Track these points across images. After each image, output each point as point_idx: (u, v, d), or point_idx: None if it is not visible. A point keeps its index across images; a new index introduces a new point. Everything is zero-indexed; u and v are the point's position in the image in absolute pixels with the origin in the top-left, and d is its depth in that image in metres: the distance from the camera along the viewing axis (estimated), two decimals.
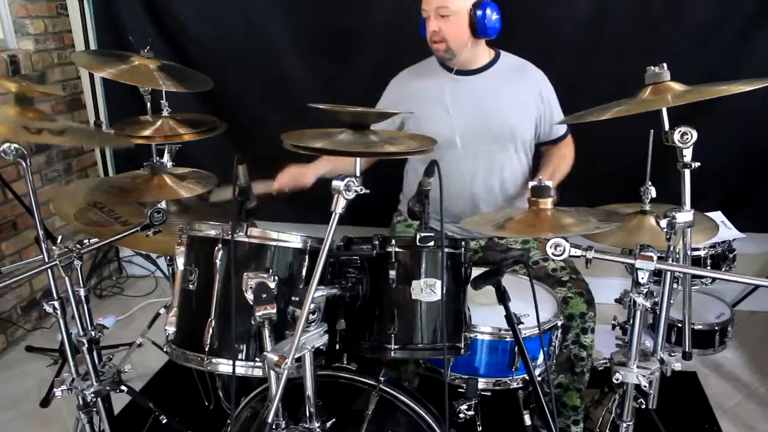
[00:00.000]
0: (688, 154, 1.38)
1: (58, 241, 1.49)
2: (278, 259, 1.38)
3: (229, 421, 1.62)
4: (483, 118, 2.05)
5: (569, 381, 1.92)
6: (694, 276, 2.15)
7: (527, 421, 1.70)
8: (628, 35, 2.56)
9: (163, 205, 1.62)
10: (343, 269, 1.44)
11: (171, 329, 1.44)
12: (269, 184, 1.97)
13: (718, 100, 1.41)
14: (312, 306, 1.19)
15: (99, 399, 1.60)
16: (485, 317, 1.59)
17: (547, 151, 2.22)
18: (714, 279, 2.32)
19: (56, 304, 1.50)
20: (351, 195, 1.18)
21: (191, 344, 1.39)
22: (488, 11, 1.95)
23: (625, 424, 1.53)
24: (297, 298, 1.22)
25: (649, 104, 1.41)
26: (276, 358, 1.14)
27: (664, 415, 1.80)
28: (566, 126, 2.20)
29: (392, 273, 1.40)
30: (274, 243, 1.38)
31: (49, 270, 1.48)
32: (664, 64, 1.47)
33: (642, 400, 1.55)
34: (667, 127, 1.41)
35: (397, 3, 2.54)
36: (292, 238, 1.39)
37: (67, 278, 1.48)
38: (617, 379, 1.46)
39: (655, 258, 1.30)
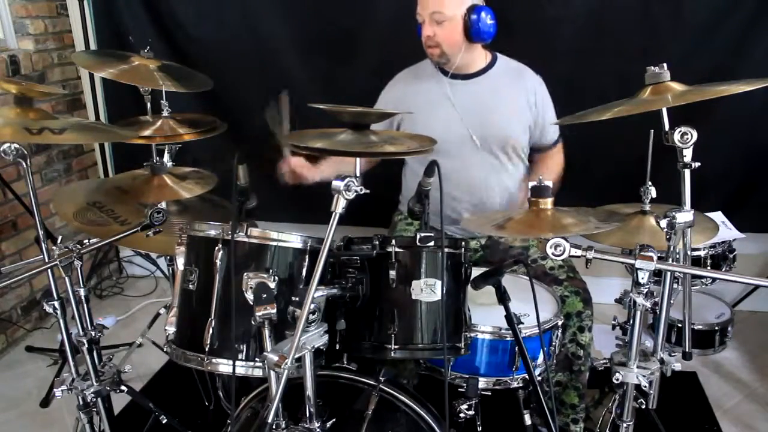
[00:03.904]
0: (688, 154, 1.38)
1: (58, 241, 1.49)
2: (278, 259, 1.38)
3: (229, 421, 1.62)
4: (479, 122, 2.05)
5: (567, 379, 1.92)
6: (694, 276, 2.15)
7: (527, 420, 1.70)
8: (628, 35, 2.56)
9: (163, 205, 1.62)
10: (343, 269, 1.44)
11: (171, 329, 1.44)
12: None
13: (718, 100, 1.41)
14: (312, 306, 1.19)
15: (99, 399, 1.60)
16: (485, 317, 1.59)
17: (539, 158, 2.22)
18: (714, 279, 2.32)
19: (56, 304, 1.50)
20: (351, 195, 1.18)
21: (191, 344, 1.40)
22: (483, 15, 1.94)
23: (625, 424, 1.53)
24: (297, 298, 1.22)
25: (649, 104, 1.41)
26: (276, 358, 1.14)
27: (664, 415, 1.80)
28: (558, 132, 2.19)
29: (392, 273, 1.40)
30: (274, 243, 1.38)
31: (49, 270, 1.48)
32: (664, 64, 1.46)
33: (642, 400, 1.55)
34: (667, 127, 1.40)
35: (397, 3, 2.54)
36: (292, 238, 1.39)
37: (67, 278, 1.48)
38: (617, 379, 1.46)
39: (655, 258, 1.30)
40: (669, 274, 1.49)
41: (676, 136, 1.36)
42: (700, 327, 2.62)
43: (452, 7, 1.93)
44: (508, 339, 1.58)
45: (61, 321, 1.53)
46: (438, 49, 1.99)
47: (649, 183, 1.65)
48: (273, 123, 1.77)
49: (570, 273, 1.94)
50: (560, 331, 1.71)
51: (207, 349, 1.36)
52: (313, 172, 2.02)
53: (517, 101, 2.08)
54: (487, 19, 1.95)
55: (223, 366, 1.37)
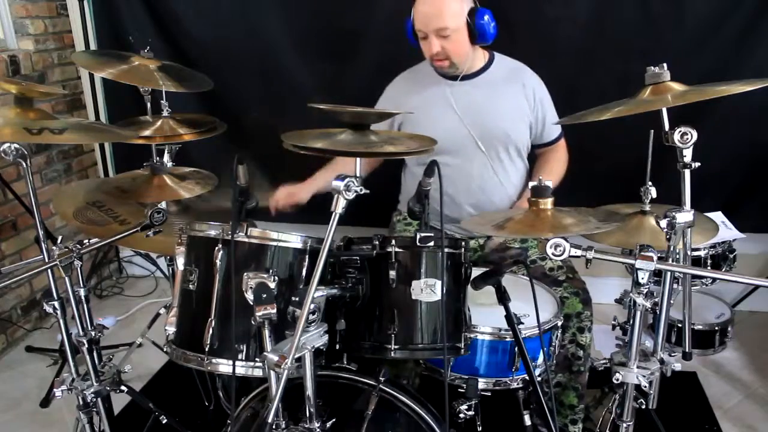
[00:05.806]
0: (688, 154, 1.38)
1: (58, 241, 1.49)
2: (278, 259, 1.38)
3: (229, 421, 1.62)
4: (479, 122, 2.05)
5: (567, 380, 1.92)
6: (694, 276, 2.15)
7: (527, 421, 1.70)
8: (628, 35, 2.56)
9: (163, 205, 1.62)
10: (343, 269, 1.44)
11: (171, 329, 1.44)
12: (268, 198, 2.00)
13: (718, 100, 1.41)
14: (312, 306, 1.19)
15: (99, 399, 1.60)
16: (485, 317, 1.59)
17: (542, 155, 2.22)
18: (714, 279, 2.32)
19: (56, 304, 1.50)
20: (351, 195, 1.18)
21: (191, 344, 1.40)
22: (485, 17, 1.95)
23: (625, 424, 1.53)
24: (297, 298, 1.22)
25: (649, 104, 1.41)
26: (276, 358, 1.14)
27: (664, 415, 1.80)
28: (560, 129, 2.20)
29: (392, 273, 1.40)
30: (274, 243, 1.38)
31: (49, 270, 1.48)
32: (664, 64, 1.46)
33: (642, 400, 1.55)
34: (667, 127, 1.40)
35: (397, 3, 2.54)
36: (292, 238, 1.39)
37: (67, 278, 1.48)
38: (617, 379, 1.46)
39: (655, 258, 1.30)
40: (669, 274, 1.49)
41: (676, 136, 1.36)
42: (700, 327, 2.62)
43: (455, 19, 1.94)
44: (508, 339, 1.58)
45: (61, 321, 1.53)
46: (447, 62, 2.00)
47: (649, 183, 1.65)
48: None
49: (569, 273, 1.94)
50: (560, 331, 1.71)
51: (207, 349, 1.36)
52: (304, 191, 2.04)
53: (515, 99, 2.09)
54: (488, 20, 1.96)
55: (223, 366, 1.37)
